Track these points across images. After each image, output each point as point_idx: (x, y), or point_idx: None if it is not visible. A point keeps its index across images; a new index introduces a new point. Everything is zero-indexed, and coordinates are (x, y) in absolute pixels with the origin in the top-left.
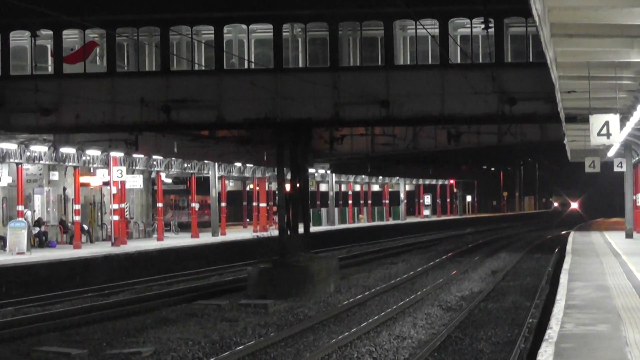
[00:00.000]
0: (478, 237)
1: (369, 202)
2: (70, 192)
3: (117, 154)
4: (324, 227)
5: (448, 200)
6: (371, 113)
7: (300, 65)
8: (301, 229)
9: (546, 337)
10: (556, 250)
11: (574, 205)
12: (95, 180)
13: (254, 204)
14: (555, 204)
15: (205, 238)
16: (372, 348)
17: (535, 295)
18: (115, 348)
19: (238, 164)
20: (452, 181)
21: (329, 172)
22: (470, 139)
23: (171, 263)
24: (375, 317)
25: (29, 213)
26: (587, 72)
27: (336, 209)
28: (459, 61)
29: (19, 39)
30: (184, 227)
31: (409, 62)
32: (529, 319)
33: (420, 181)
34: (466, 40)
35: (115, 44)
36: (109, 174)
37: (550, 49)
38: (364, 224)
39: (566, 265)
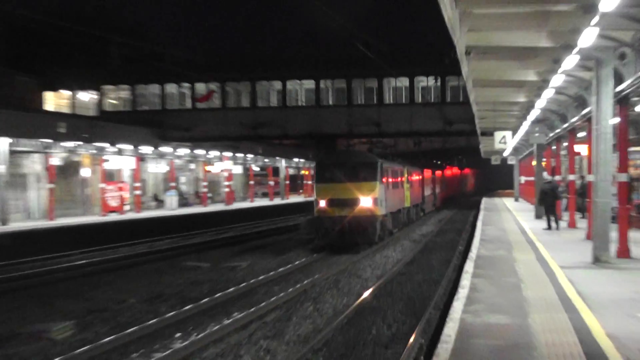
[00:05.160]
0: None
1: None
2: (200, 175)
3: (227, 153)
4: None
5: None
6: (370, 130)
7: (330, 103)
8: None
9: (469, 257)
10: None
11: (366, 201)
12: (214, 168)
13: (304, 181)
14: (322, 204)
15: (277, 201)
16: (370, 263)
17: (462, 234)
18: (226, 263)
19: (295, 159)
20: None
21: None
22: (427, 145)
23: (259, 215)
24: (374, 248)
25: (183, 187)
26: (493, 107)
27: None
28: (420, 100)
29: (171, 88)
30: (265, 195)
31: (391, 101)
32: (459, 247)
33: None
34: (424, 88)
35: (226, 91)
36: (223, 164)
37: (472, 94)
38: None
39: (480, 216)
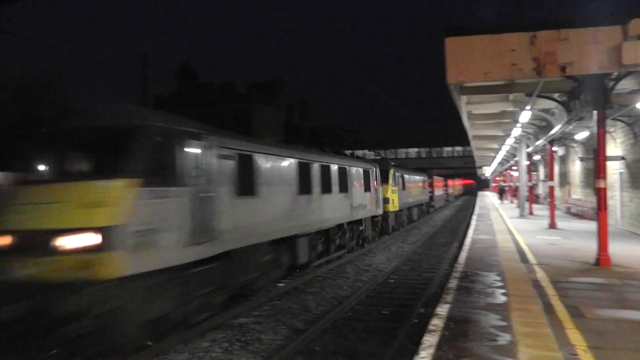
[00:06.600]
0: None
1: None
2: None
3: None
4: None
5: None
6: (438, 166)
7: (424, 156)
8: None
9: (474, 214)
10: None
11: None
12: None
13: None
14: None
15: None
16: (439, 216)
17: (470, 207)
18: None
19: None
20: None
21: None
22: (460, 171)
23: None
24: (442, 208)
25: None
26: (482, 158)
27: None
28: (455, 155)
29: (362, 152)
30: None
31: (446, 156)
32: (470, 210)
33: None
34: (457, 151)
35: (385, 152)
36: None
37: (475, 153)
38: None
39: (478, 200)
